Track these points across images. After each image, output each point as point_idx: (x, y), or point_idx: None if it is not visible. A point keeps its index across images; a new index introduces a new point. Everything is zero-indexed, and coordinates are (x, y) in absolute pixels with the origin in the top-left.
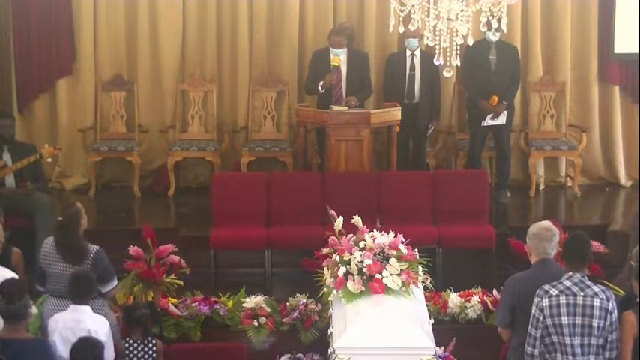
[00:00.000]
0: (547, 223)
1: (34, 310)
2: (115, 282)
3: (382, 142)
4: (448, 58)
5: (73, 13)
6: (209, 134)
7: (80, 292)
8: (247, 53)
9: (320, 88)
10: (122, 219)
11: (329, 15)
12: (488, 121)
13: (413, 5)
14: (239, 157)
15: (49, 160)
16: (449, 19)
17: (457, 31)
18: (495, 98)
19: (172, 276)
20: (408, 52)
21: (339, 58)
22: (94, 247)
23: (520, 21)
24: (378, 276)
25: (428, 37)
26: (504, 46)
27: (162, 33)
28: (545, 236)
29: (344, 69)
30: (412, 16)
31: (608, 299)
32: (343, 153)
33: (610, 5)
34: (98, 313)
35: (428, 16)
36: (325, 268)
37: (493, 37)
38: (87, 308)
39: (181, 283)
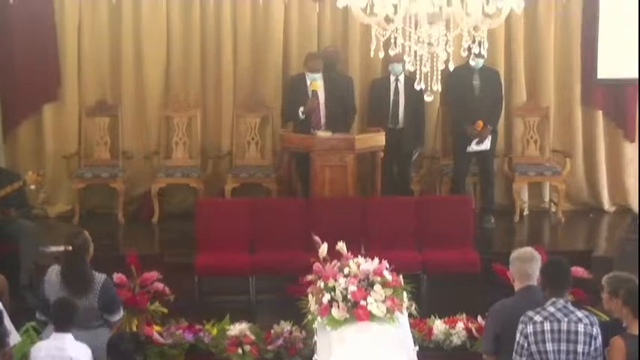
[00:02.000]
0: (529, 249)
1: (16, 338)
2: (122, 311)
3: (366, 167)
4: (429, 83)
5: (57, 39)
6: (193, 160)
7: (62, 319)
8: (231, 79)
9: (300, 114)
10: (106, 245)
11: (313, 39)
12: (474, 147)
13: (395, 29)
14: (223, 183)
15: (32, 186)
16: (429, 43)
17: (438, 56)
18: (480, 123)
19: (157, 303)
20: (392, 77)
21: (318, 82)
22: (101, 277)
23: (503, 45)
24: (362, 303)
25: (409, 62)
26: (487, 70)
27: (147, 58)
28: (527, 262)
29: (322, 94)
30: (392, 40)
31: (592, 324)
32: (328, 178)
33: (593, 30)
34: (103, 342)
35: (409, 40)
36: (310, 295)
37: (473, 62)
38: (69, 336)
39: (165, 311)
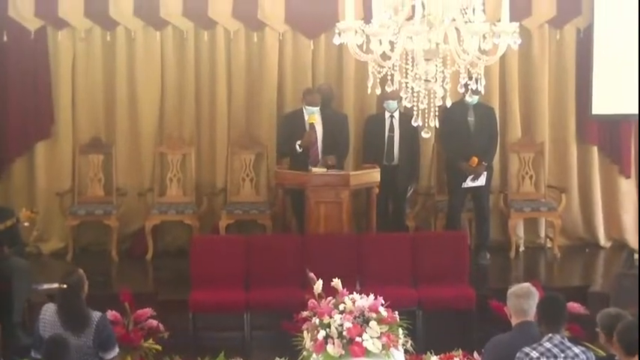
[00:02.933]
0: (526, 285)
1: None
2: (117, 349)
3: (361, 203)
4: (426, 120)
5: (51, 76)
6: (187, 197)
7: (56, 357)
8: (226, 115)
9: (298, 147)
10: (100, 283)
11: (307, 76)
12: (469, 183)
13: (391, 66)
14: (218, 219)
15: (26, 224)
16: (426, 80)
17: (435, 93)
18: (475, 159)
19: (150, 341)
20: (387, 114)
21: (315, 116)
22: (96, 314)
23: (498, 81)
24: (358, 339)
25: (406, 99)
26: (482, 107)
27: (141, 96)
28: (524, 298)
29: (319, 128)
30: (389, 77)
31: None
32: (322, 215)
33: (587, 66)
34: None
35: (406, 77)
36: (305, 332)
37: (469, 98)
38: None
39: (160, 348)
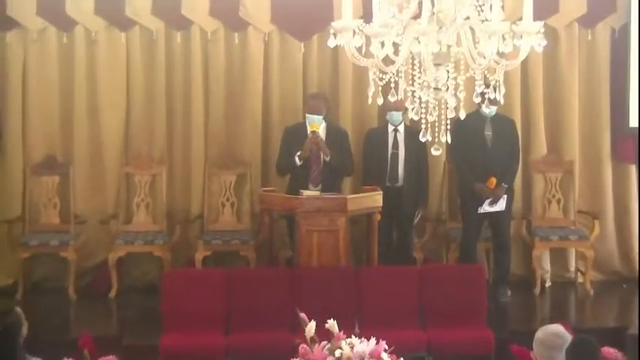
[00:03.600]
0: (557, 328)
1: None
2: None
3: (361, 232)
4: (436, 134)
5: None
6: (158, 225)
7: None
8: (202, 129)
9: (297, 159)
10: (55, 326)
11: (298, 85)
12: (486, 207)
13: (395, 73)
14: (193, 251)
15: None
16: (436, 88)
17: (446, 103)
18: (493, 180)
19: None
20: (390, 127)
21: (318, 124)
22: None
23: (520, 89)
24: None
25: (412, 110)
26: (501, 119)
27: (103, 107)
28: (555, 344)
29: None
30: (392, 85)
31: None
32: (315, 245)
33: (623, 71)
34: None
35: (412, 84)
36: None
37: (486, 109)
38: None
39: None
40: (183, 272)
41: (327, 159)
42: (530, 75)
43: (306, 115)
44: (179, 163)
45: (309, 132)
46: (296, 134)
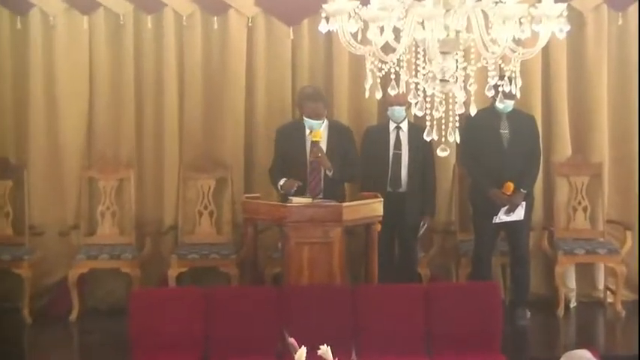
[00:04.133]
0: (583, 355)
1: None
2: None
3: (358, 244)
4: (443, 133)
5: None
6: (125, 237)
7: None
8: (176, 128)
9: (280, 187)
10: (7, 354)
11: (286, 77)
12: (502, 217)
13: (396, 62)
14: (166, 267)
15: None
16: (443, 80)
17: (455, 97)
18: (510, 186)
19: None
20: (392, 125)
21: (320, 132)
22: None
23: (540, 81)
24: None
25: (416, 105)
26: (519, 115)
27: (63, 101)
28: None
29: (323, 146)
30: (393, 76)
31: None
32: (306, 260)
33: None
34: None
35: (415, 76)
36: None
37: (500, 104)
38: None
39: None
40: (154, 292)
41: (330, 174)
42: (551, 65)
43: (305, 119)
44: (150, 165)
45: (307, 139)
46: (291, 135)
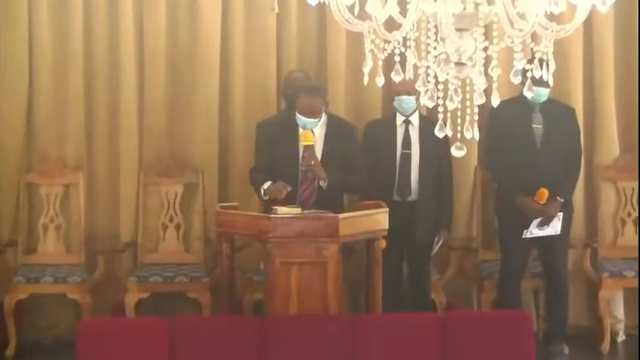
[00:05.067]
0: None
1: None
2: None
3: (358, 265)
4: (460, 128)
5: None
6: (73, 255)
7: None
8: (135, 123)
9: (262, 192)
10: None
11: (269, 60)
12: (534, 231)
13: (401, 41)
14: (122, 292)
15: None
16: (459, 63)
17: (474, 84)
18: (545, 193)
19: None
20: (400, 119)
21: (311, 133)
22: None
23: (581, 68)
24: None
25: (425, 93)
26: (555, 107)
27: None
28: None
29: (319, 149)
30: (398, 59)
31: None
32: (294, 284)
33: None
34: None
35: (425, 58)
36: None
37: (531, 93)
38: None
39: None
40: (108, 322)
41: (324, 185)
42: (594, 45)
43: (298, 116)
44: (102, 169)
45: (300, 142)
46: (278, 133)
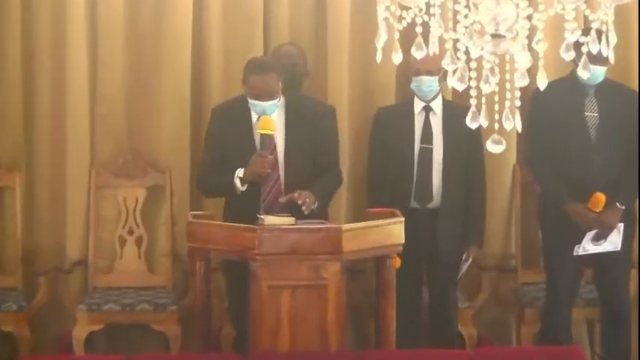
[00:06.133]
0: None
1: None
2: None
3: (367, 289)
4: (497, 117)
5: None
6: (7, 277)
7: None
8: (87, 113)
9: (238, 182)
10: None
11: (255, 36)
12: (588, 246)
13: (424, 7)
14: (70, 323)
15: None
16: (495, 35)
17: (514, 60)
18: (601, 198)
19: None
20: (418, 105)
21: (271, 119)
22: None
23: None
24: None
25: (454, 74)
26: (614, 90)
27: None
28: None
29: (280, 142)
30: (419, 30)
31: None
32: (286, 312)
33: None
34: None
35: (454, 29)
36: None
37: (585, 72)
38: None
39: None
40: None
41: (314, 207)
42: None
43: (251, 102)
44: (45, 168)
45: (255, 131)
46: (232, 122)
